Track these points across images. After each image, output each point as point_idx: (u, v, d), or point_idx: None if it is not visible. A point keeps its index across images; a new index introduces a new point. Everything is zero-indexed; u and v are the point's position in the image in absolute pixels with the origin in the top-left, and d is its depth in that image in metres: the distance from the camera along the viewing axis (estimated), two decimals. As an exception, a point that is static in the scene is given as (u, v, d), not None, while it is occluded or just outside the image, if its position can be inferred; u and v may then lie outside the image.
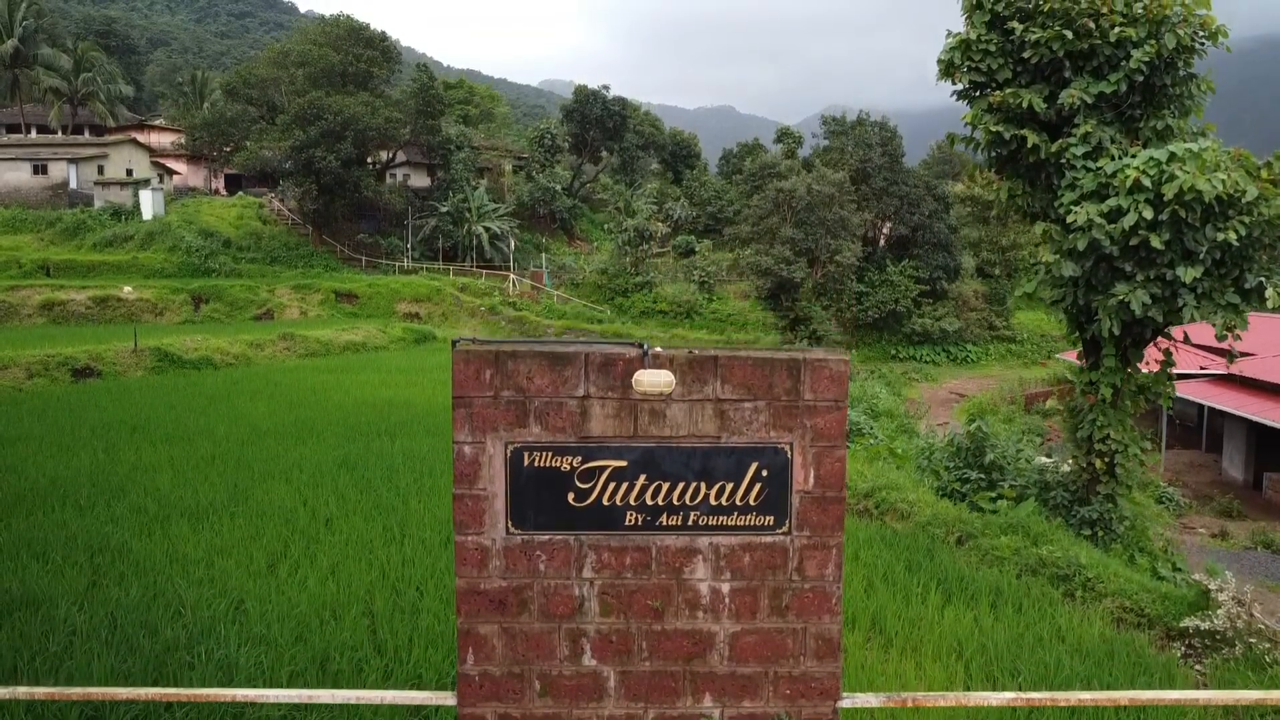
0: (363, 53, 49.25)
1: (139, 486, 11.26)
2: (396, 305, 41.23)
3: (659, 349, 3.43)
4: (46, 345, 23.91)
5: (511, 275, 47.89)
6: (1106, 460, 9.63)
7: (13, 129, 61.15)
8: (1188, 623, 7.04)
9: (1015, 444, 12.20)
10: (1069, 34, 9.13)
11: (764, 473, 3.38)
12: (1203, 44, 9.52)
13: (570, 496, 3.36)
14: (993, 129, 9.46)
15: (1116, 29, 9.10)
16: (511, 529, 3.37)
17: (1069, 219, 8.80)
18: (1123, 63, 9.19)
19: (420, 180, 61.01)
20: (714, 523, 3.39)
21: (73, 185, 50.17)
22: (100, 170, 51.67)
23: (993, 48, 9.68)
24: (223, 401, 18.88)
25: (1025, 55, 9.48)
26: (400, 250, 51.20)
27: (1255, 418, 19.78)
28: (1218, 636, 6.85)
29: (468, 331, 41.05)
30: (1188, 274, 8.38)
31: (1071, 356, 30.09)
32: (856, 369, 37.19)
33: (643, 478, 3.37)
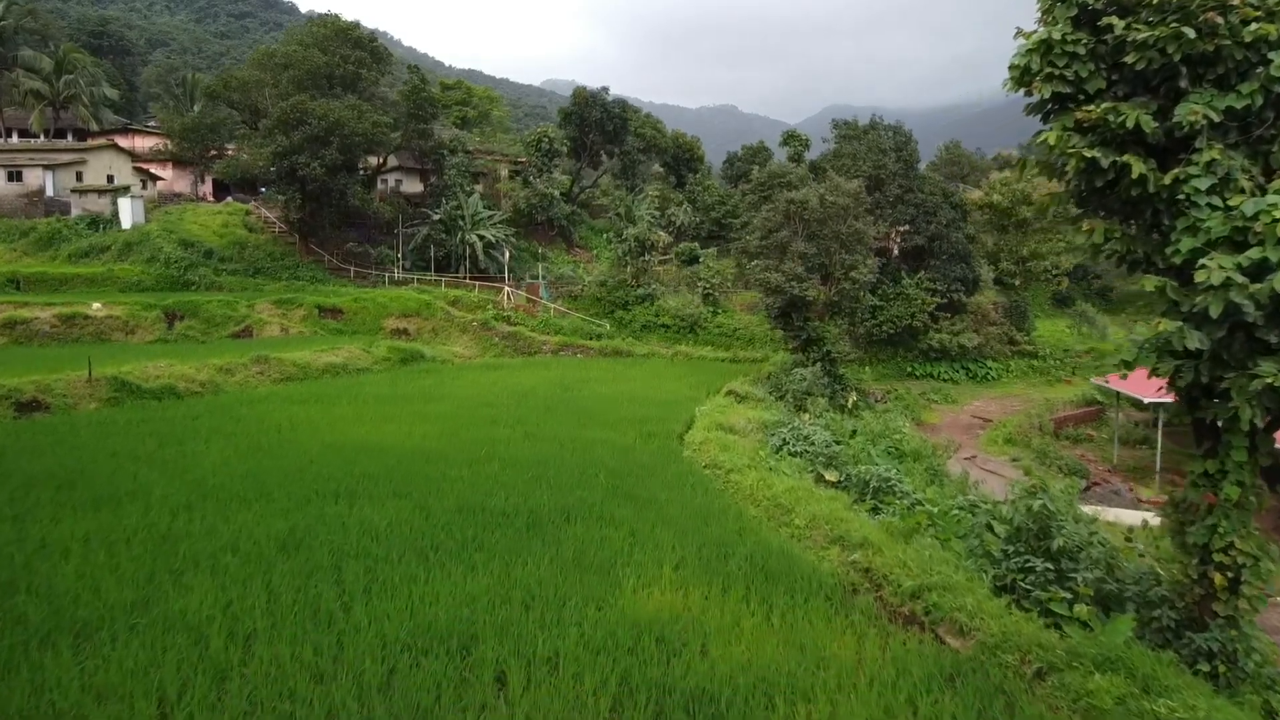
0: (350, 53, 47.08)
1: (33, 580, 9.38)
2: (384, 321, 38.96)
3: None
4: (-4, 373, 21.86)
5: (506, 288, 45.76)
6: (1230, 575, 7.54)
7: (-7, 133, 59.25)
8: None
9: (1088, 527, 10.07)
10: (1189, 31, 7.03)
11: None
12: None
13: None
14: (1087, 154, 7.35)
15: (1252, 25, 7.01)
16: None
17: (1197, 276, 6.69)
18: (1258, 69, 7.09)
19: (413, 186, 58.96)
20: None
21: (49, 193, 48.11)
22: (79, 177, 49.60)
23: (1081, 50, 7.59)
24: (172, 445, 16.88)
25: (1127, 59, 7.38)
26: (391, 260, 49.07)
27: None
28: None
29: (459, 348, 38.76)
30: (1362, 351, 6.29)
31: (1113, 380, 27.88)
32: (871, 388, 35.00)
33: None
